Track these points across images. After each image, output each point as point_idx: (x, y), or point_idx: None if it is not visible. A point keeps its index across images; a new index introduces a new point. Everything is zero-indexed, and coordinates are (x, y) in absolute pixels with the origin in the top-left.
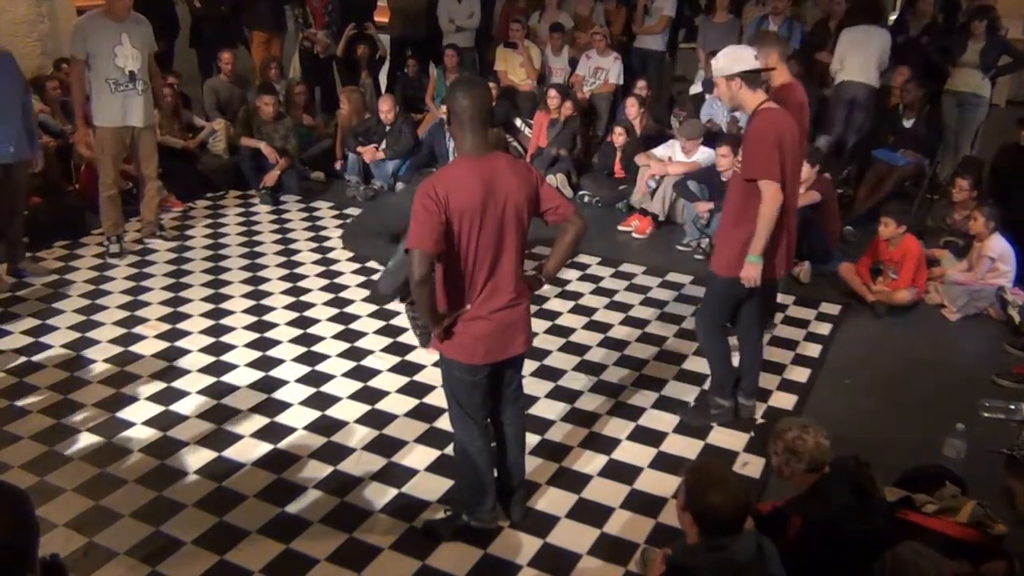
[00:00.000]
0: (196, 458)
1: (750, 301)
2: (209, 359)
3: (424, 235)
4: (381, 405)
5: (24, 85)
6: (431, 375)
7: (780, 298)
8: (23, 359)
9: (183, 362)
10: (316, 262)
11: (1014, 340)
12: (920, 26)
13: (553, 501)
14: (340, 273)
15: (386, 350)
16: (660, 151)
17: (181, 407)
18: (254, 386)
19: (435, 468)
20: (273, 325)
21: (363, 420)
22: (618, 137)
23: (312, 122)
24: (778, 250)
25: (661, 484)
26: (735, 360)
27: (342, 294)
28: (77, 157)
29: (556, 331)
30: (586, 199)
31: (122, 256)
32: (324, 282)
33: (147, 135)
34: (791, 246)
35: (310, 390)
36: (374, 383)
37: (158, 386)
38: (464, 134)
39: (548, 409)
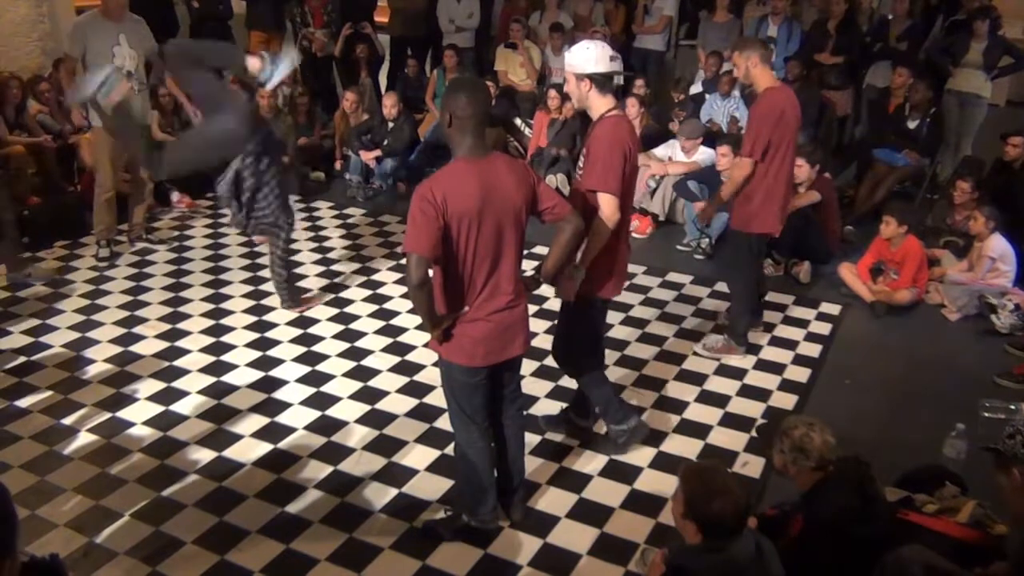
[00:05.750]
0: (196, 458)
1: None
2: (209, 359)
3: (421, 239)
4: (381, 405)
5: None
6: (431, 375)
7: (780, 298)
8: (23, 359)
9: (183, 362)
10: (316, 262)
11: (1014, 340)
12: (902, 27)
13: (553, 501)
14: (340, 273)
15: (386, 350)
16: (660, 151)
17: (181, 407)
18: (254, 386)
19: (435, 468)
20: (273, 325)
21: (363, 420)
22: None
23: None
24: (603, 270)
25: (661, 484)
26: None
27: (342, 294)
28: (80, 161)
29: None
30: None
31: (112, 260)
32: (324, 282)
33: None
34: (621, 270)
35: (310, 390)
36: (374, 383)
37: (158, 386)
38: (463, 136)
39: (548, 409)
